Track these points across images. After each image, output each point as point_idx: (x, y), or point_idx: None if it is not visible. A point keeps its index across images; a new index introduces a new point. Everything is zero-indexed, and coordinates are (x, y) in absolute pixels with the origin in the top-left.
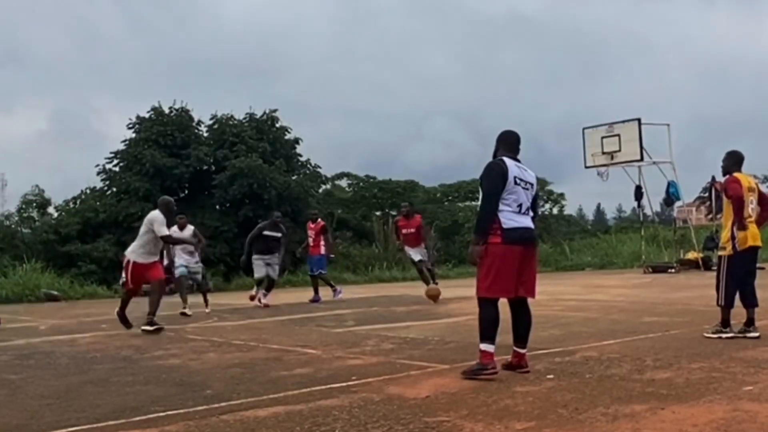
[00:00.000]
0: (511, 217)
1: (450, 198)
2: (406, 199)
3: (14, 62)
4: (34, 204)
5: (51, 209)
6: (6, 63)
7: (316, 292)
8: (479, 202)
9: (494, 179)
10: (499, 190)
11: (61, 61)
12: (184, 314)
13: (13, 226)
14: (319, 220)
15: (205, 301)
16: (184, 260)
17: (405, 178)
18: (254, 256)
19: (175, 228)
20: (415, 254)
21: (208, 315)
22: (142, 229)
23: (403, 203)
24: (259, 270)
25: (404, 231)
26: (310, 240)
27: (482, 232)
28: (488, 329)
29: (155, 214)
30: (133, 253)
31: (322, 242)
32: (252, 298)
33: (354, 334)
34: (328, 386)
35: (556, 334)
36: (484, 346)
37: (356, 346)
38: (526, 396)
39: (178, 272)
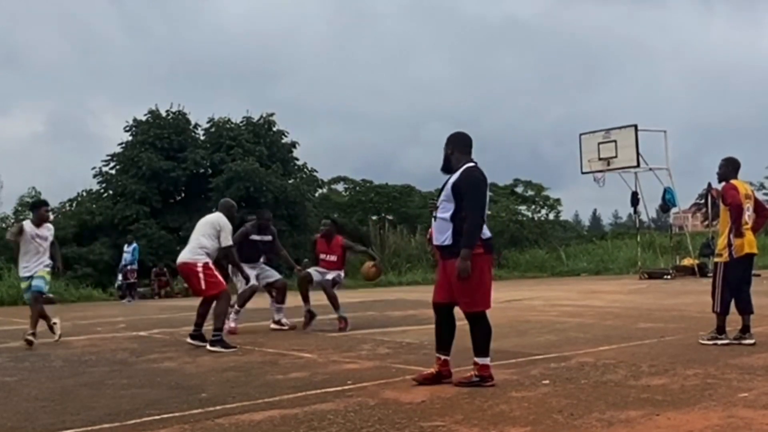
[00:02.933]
0: (486, 228)
1: None
2: (402, 204)
3: (11, 64)
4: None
5: None
6: (3, 65)
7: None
8: (453, 212)
9: (484, 191)
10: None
11: (58, 63)
12: (29, 342)
13: (8, 228)
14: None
15: (48, 324)
16: (30, 267)
17: (401, 182)
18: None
19: (28, 222)
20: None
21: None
22: (209, 231)
23: (324, 219)
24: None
25: (323, 257)
26: None
27: (474, 245)
28: (489, 343)
29: (226, 220)
30: (204, 255)
31: None
32: (232, 332)
33: (350, 339)
34: (324, 390)
35: (552, 340)
36: (483, 360)
37: (352, 351)
38: (522, 401)
39: (34, 287)
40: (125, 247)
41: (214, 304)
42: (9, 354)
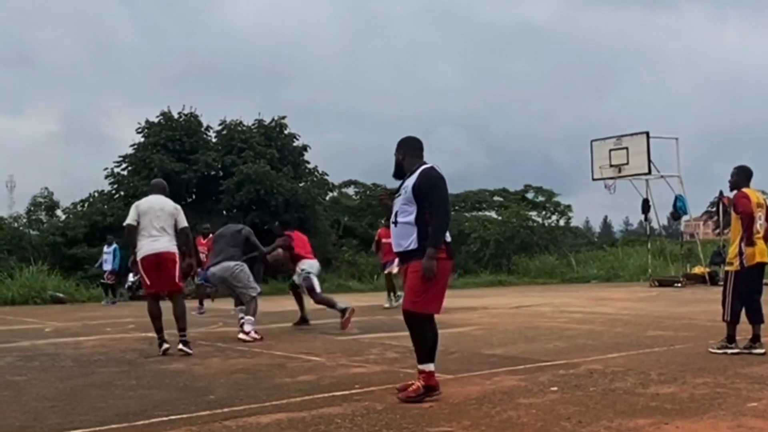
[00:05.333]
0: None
1: (456, 208)
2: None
3: (25, 64)
4: (43, 206)
5: (59, 212)
6: (17, 64)
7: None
8: (416, 214)
9: (446, 190)
10: None
11: (71, 63)
12: None
13: (21, 227)
14: (211, 235)
15: None
16: None
17: None
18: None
19: None
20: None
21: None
22: (171, 221)
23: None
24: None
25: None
26: (203, 256)
27: (440, 245)
28: (434, 349)
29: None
30: (176, 247)
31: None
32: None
33: (358, 343)
34: (331, 394)
35: (561, 347)
36: (429, 367)
37: (360, 355)
38: (530, 408)
39: None
40: (105, 248)
41: (174, 303)
42: (19, 353)
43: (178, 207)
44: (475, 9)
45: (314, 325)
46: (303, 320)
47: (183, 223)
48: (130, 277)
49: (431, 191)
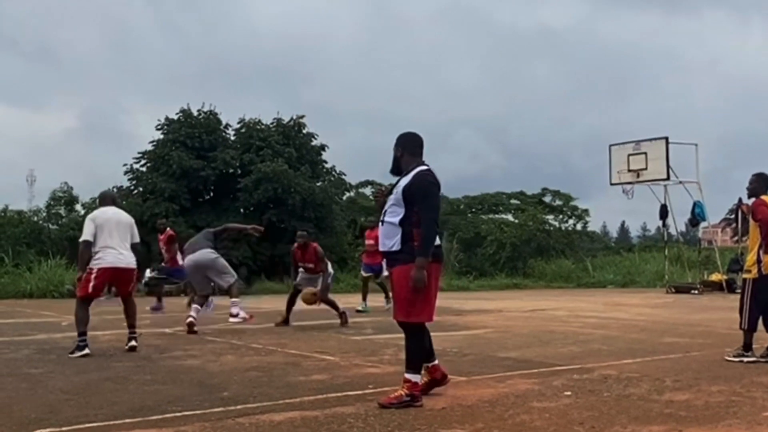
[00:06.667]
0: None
1: (473, 210)
2: None
3: (47, 60)
4: (62, 200)
5: (78, 206)
6: (39, 59)
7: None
8: (403, 216)
9: (437, 196)
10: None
11: (93, 60)
12: None
13: (40, 221)
14: (168, 229)
15: None
16: None
17: None
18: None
19: None
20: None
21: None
22: (129, 232)
23: (300, 232)
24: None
25: (300, 265)
26: (165, 254)
27: (429, 253)
28: (421, 359)
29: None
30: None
31: (177, 254)
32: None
33: (372, 343)
34: (345, 393)
35: (575, 351)
36: (414, 377)
37: (374, 355)
38: (543, 412)
39: None
40: None
41: (128, 304)
42: (36, 346)
43: (132, 219)
44: (495, 12)
45: (329, 324)
46: (286, 322)
47: (137, 237)
48: (147, 273)
49: (422, 197)
